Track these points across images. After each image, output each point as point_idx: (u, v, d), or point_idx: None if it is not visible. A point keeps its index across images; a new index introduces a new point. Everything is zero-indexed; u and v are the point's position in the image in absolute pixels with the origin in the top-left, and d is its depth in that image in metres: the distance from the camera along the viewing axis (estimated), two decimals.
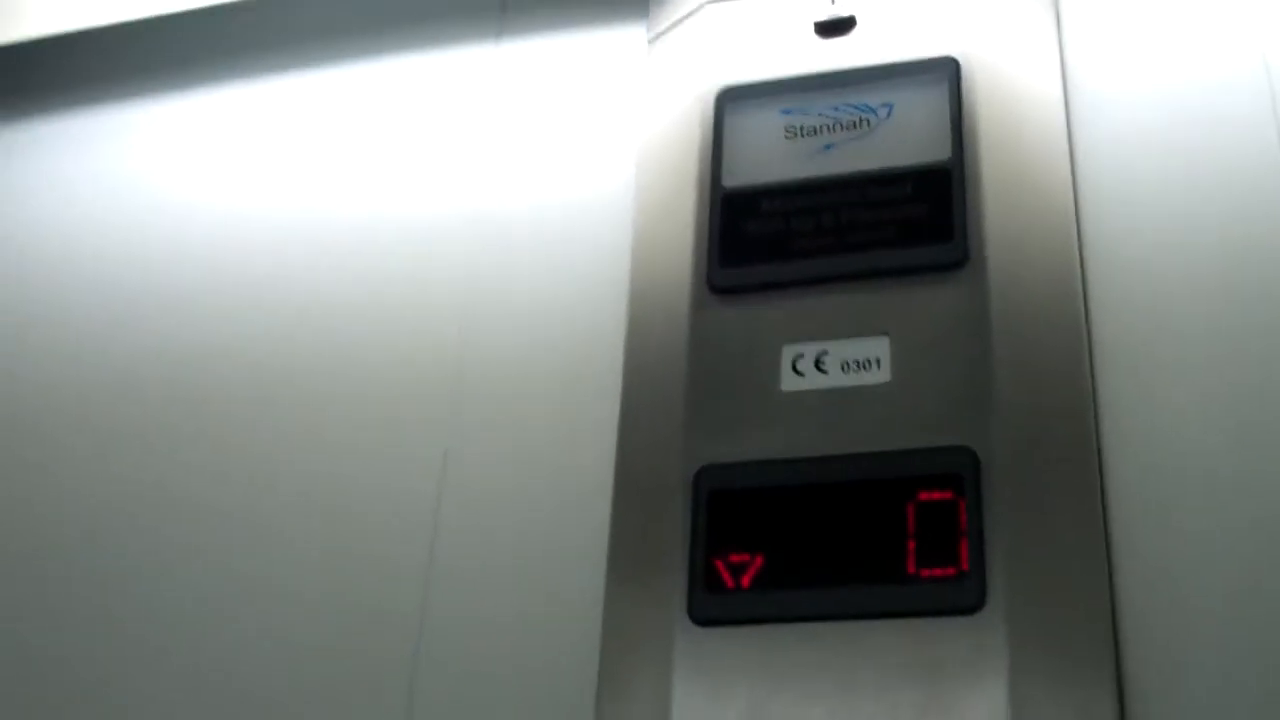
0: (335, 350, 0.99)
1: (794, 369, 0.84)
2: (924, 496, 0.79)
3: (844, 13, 0.94)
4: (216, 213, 1.08)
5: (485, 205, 1.01)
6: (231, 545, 0.94)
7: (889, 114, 0.90)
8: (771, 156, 0.91)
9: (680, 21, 1.00)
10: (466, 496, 0.91)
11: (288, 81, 1.12)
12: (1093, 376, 0.82)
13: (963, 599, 0.75)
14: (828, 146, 0.90)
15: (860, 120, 0.90)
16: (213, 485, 0.97)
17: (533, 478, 0.91)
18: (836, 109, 0.91)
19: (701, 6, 0.99)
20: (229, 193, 1.09)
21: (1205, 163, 0.88)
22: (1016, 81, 0.90)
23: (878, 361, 0.83)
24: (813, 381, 0.84)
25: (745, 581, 0.79)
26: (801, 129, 0.91)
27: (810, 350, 0.85)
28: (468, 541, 0.90)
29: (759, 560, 0.80)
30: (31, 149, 1.18)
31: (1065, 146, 0.89)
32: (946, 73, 0.90)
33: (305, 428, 0.97)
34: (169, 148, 1.13)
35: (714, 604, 0.79)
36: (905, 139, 0.89)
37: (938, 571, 0.76)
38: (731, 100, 0.94)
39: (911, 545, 0.78)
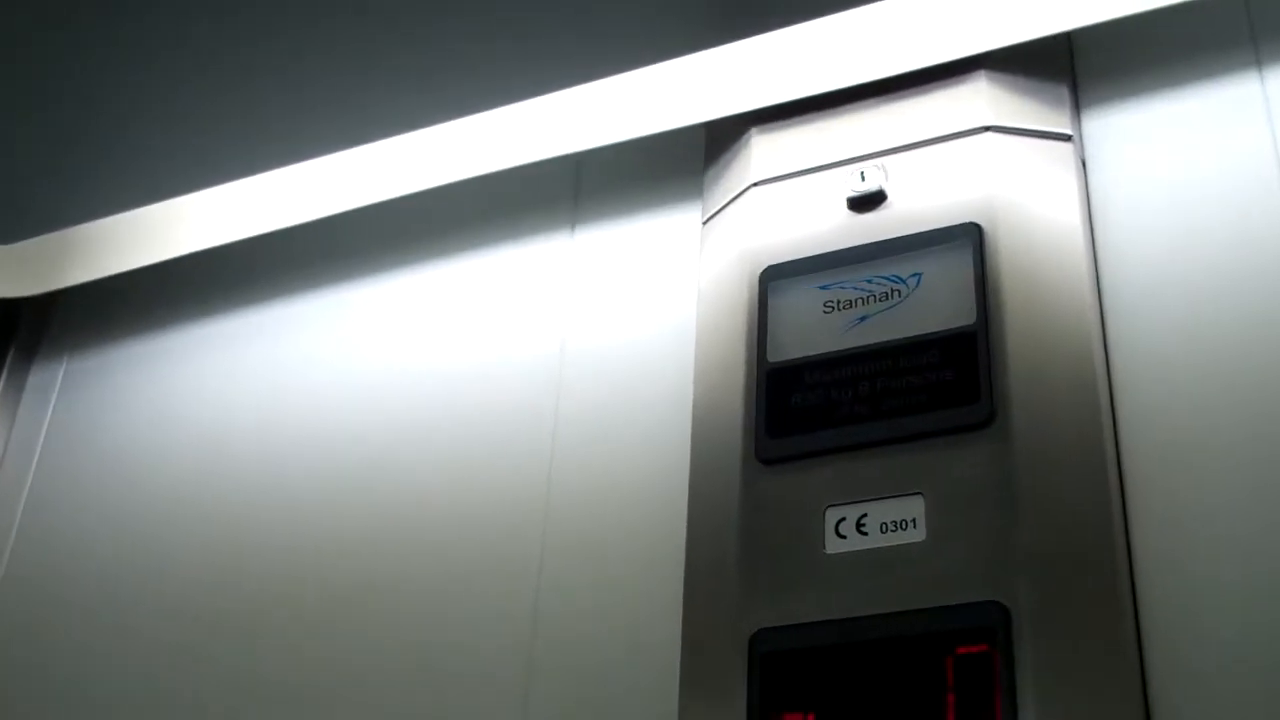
0: (427, 528, 1.08)
1: (837, 532, 0.90)
2: (962, 651, 0.83)
3: (873, 187, 1.00)
4: (317, 405, 1.19)
5: (569, 380, 1.09)
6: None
7: (918, 283, 0.95)
8: (812, 330, 0.97)
9: (729, 203, 1.07)
10: (555, 658, 0.98)
11: (385, 283, 1.22)
12: (1125, 521, 0.86)
13: None
14: (863, 318, 0.96)
15: (892, 291, 0.96)
16: (314, 669, 1.06)
17: (611, 640, 0.98)
18: (870, 281, 0.97)
19: (746, 189, 1.06)
20: (325, 387, 1.19)
21: (1236, 301, 0.91)
22: (1037, 238, 0.95)
23: (914, 521, 0.88)
24: (854, 543, 0.89)
25: None
26: (838, 303, 0.97)
27: (852, 513, 0.90)
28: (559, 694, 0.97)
29: (811, 718, 0.84)
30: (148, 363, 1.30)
31: (1089, 297, 0.93)
32: (970, 239, 0.95)
33: (401, 600, 1.05)
34: (278, 351, 1.24)
35: None
36: (934, 306, 0.94)
37: None
38: (774, 278, 1.00)
39: (951, 699, 0.82)
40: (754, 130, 1.09)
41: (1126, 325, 0.93)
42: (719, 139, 1.12)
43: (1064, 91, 1.02)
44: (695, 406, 1.00)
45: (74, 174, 1.25)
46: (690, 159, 1.15)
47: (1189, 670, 0.81)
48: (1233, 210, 0.94)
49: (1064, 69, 1.03)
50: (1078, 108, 1.02)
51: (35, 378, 1.35)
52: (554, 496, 1.05)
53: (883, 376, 0.93)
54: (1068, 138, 0.99)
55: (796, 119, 1.07)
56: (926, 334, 0.93)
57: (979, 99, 1.01)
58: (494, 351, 1.14)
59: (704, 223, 1.09)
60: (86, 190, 1.26)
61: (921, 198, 0.99)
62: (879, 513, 0.89)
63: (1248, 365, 0.89)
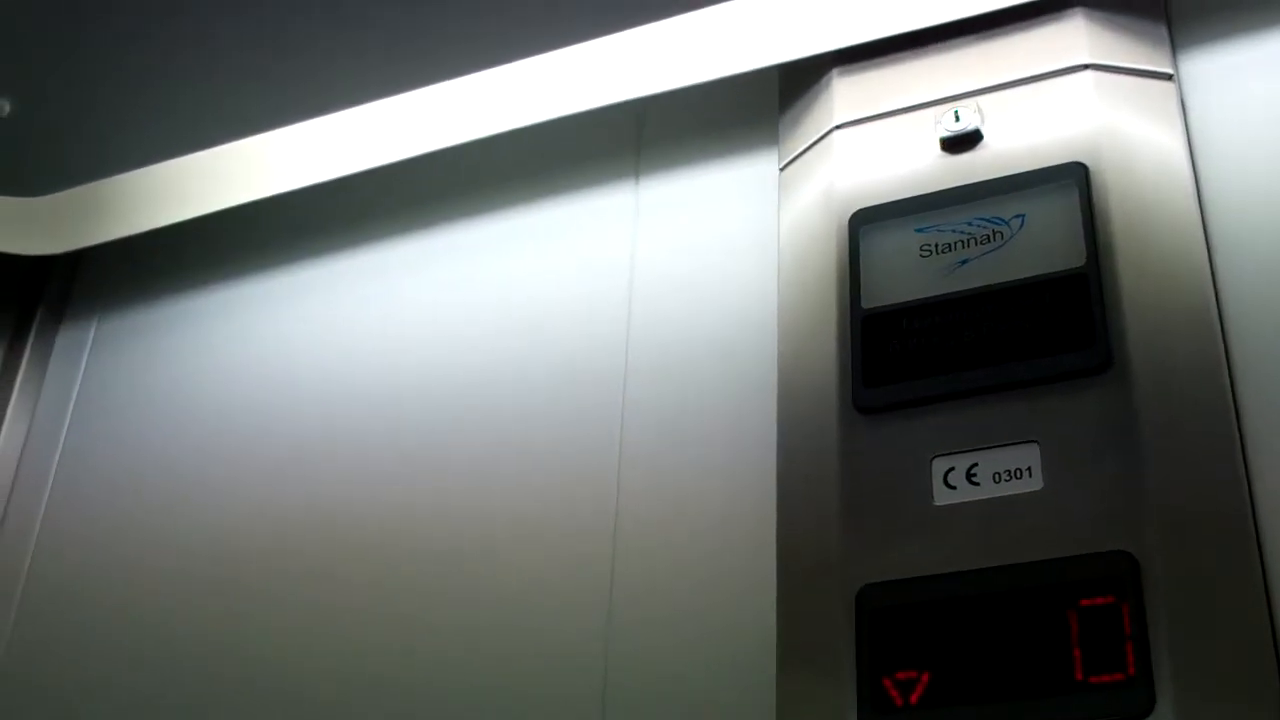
0: (492, 498, 1.03)
1: (946, 483, 0.86)
2: (1085, 603, 0.79)
3: (969, 127, 0.96)
4: (363, 364, 1.14)
5: (638, 333, 1.05)
6: None
7: (1022, 224, 0.92)
8: (908, 275, 0.93)
9: (810, 147, 1.03)
10: (634, 632, 0.94)
11: (436, 239, 1.18)
12: (1247, 470, 0.82)
13: (1133, 704, 0.75)
14: (963, 261, 0.92)
15: (994, 233, 0.92)
16: (363, 629, 1.01)
17: (697, 606, 0.93)
18: (970, 223, 0.93)
19: (829, 132, 1.02)
20: (373, 346, 1.14)
21: None
22: (1145, 178, 0.91)
23: (1029, 470, 0.84)
24: (965, 494, 0.85)
25: (914, 699, 0.80)
26: (936, 246, 0.93)
27: (961, 463, 0.86)
28: (638, 669, 0.93)
29: (925, 677, 0.81)
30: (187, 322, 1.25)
31: (1201, 237, 0.90)
32: (1075, 179, 0.91)
33: (468, 575, 1.01)
34: (328, 308, 1.19)
35: None
36: (1039, 248, 0.90)
37: (1105, 678, 0.76)
38: (865, 222, 0.96)
39: (1077, 653, 0.78)
40: (835, 71, 1.04)
41: (1236, 265, 0.90)
42: (795, 82, 1.08)
43: (1162, 30, 0.98)
44: (781, 358, 0.96)
45: (105, 124, 1.20)
46: (760, 104, 1.11)
47: None
48: None
49: (1159, 7, 1.00)
50: (1174, 47, 0.98)
51: (65, 338, 1.30)
52: (627, 457, 1.01)
53: (988, 321, 0.89)
54: (1169, 76, 0.96)
55: (881, 59, 1.03)
56: (1034, 276, 0.89)
57: (1077, 37, 0.97)
58: (557, 311, 1.10)
59: (781, 169, 1.05)
60: (119, 141, 1.21)
61: (1019, 137, 0.95)
62: (991, 462, 0.85)
63: None
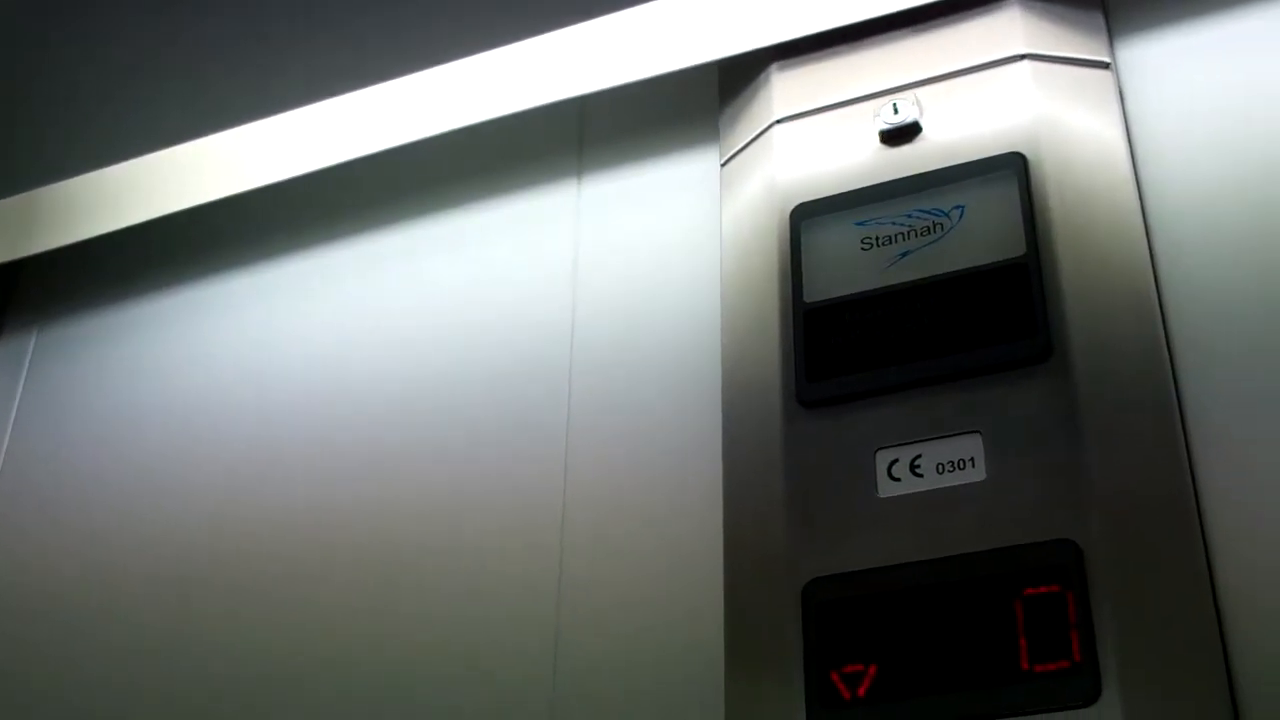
0: (438, 501, 1.03)
1: (890, 475, 0.86)
2: (1030, 592, 0.79)
3: (907, 119, 0.96)
4: (307, 370, 1.13)
5: (583, 330, 1.04)
6: None
7: (961, 215, 0.91)
8: (849, 269, 0.93)
9: (750, 143, 1.03)
10: (582, 631, 0.93)
11: (377, 241, 1.17)
12: (1190, 455, 0.82)
13: (1079, 692, 0.75)
14: (904, 254, 0.92)
15: (934, 225, 0.92)
16: (313, 646, 1.00)
17: (644, 603, 0.93)
18: (909, 215, 0.93)
19: (769, 127, 1.01)
20: (316, 352, 1.14)
21: None
22: (1084, 166, 0.91)
23: (972, 460, 0.84)
24: (909, 485, 0.85)
25: (861, 692, 0.80)
26: (877, 239, 0.93)
27: (905, 455, 0.86)
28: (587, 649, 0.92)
29: (873, 669, 0.80)
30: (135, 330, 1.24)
31: (1140, 224, 0.90)
32: (1014, 169, 0.91)
33: (416, 574, 1.00)
34: (272, 313, 1.18)
35: (832, 717, 0.80)
36: (979, 238, 0.90)
37: (1051, 666, 0.76)
38: (806, 216, 0.96)
39: (1023, 642, 0.78)
40: (774, 66, 1.04)
41: (1175, 252, 0.90)
42: (735, 78, 1.07)
43: (1099, 19, 0.98)
44: (725, 353, 0.96)
45: (39, 131, 1.18)
46: (701, 100, 1.10)
47: (1265, 605, 0.78)
48: (1275, 129, 0.91)
49: None
50: (1111, 36, 0.98)
51: (4, 350, 1.28)
52: (573, 453, 1.00)
53: (930, 313, 0.89)
54: (1106, 65, 0.96)
55: (820, 53, 1.03)
56: (974, 267, 0.89)
57: (1013, 27, 0.97)
58: (502, 310, 1.09)
59: (723, 164, 1.05)
60: (51, 149, 1.19)
61: (958, 129, 0.95)
62: (934, 453, 0.85)
63: None
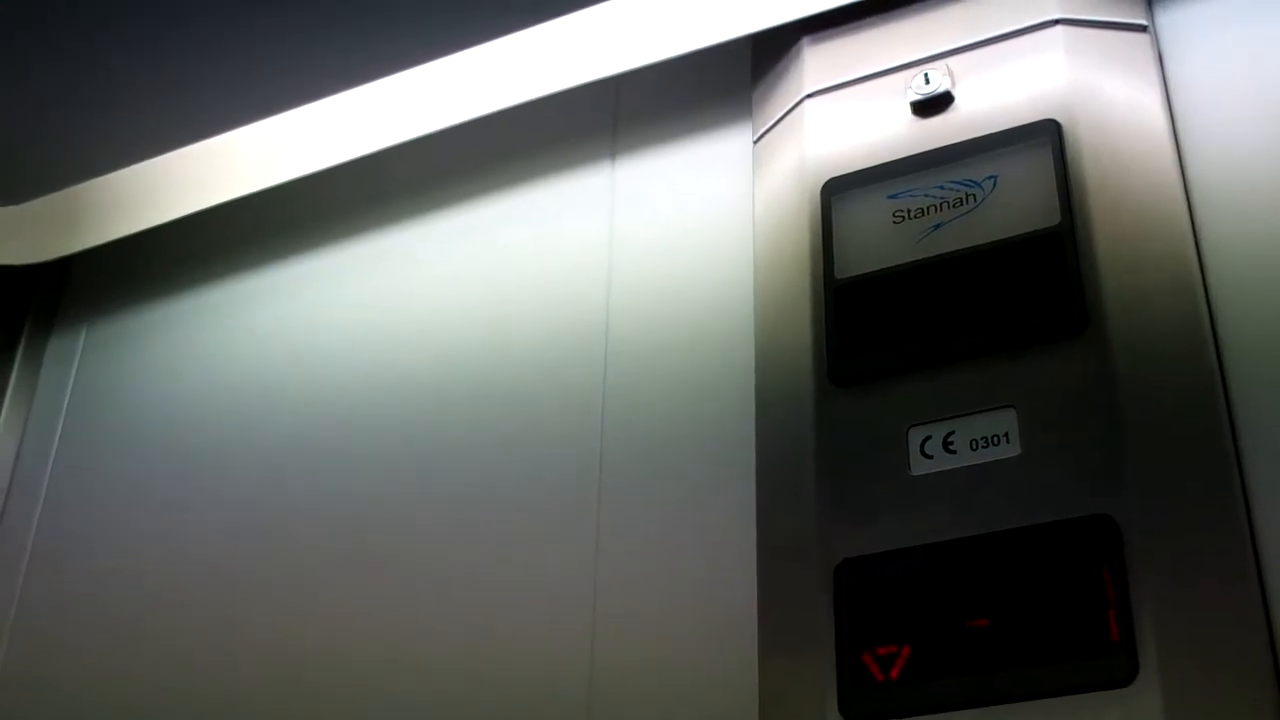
0: (476, 475, 1.02)
1: (922, 452, 0.84)
2: (1067, 569, 0.77)
3: (939, 89, 0.94)
4: (353, 356, 1.13)
5: (618, 312, 1.04)
6: None
7: (994, 185, 0.89)
8: (882, 242, 0.91)
9: (782, 118, 1.01)
10: (617, 621, 0.93)
11: (418, 227, 1.16)
12: (1233, 430, 0.80)
13: (1116, 671, 0.73)
14: (937, 226, 0.90)
15: (966, 196, 0.90)
16: (356, 639, 1.00)
17: (678, 588, 0.92)
18: (942, 187, 0.91)
19: (800, 101, 1.00)
20: (361, 338, 1.14)
21: None
22: (1121, 133, 0.89)
23: (1006, 436, 0.82)
24: (942, 463, 0.83)
25: (894, 674, 0.78)
26: (909, 211, 0.91)
27: (937, 431, 0.84)
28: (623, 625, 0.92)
29: (906, 651, 0.79)
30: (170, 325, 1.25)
31: (1179, 192, 0.87)
32: (1049, 136, 0.89)
33: (456, 547, 1.00)
34: (315, 303, 1.18)
35: (864, 700, 0.78)
36: (1013, 209, 0.88)
37: (1088, 645, 0.74)
38: (837, 190, 0.94)
39: (1059, 621, 0.76)
40: (805, 40, 1.03)
41: (1216, 219, 0.87)
42: (767, 53, 1.06)
43: None
44: (758, 332, 0.94)
45: (83, 128, 1.19)
46: (734, 77, 1.09)
47: None
48: None
49: None
50: None
51: (55, 347, 1.29)
52: (609, 437, 0.99)
53: (963, 286, 0.87)
54: (1143, 28, 0.93)
55: (851, 25, 1.01)
56: (1008, 238, 0.87)
57: None
58: (538, 292, 1.08)
59: (755, 141, 1.03)
60: (96, 142, 1.20)
61: (990, 98, 0.93)
62: (967, 429, 0.83)
63: None
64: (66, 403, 1.26)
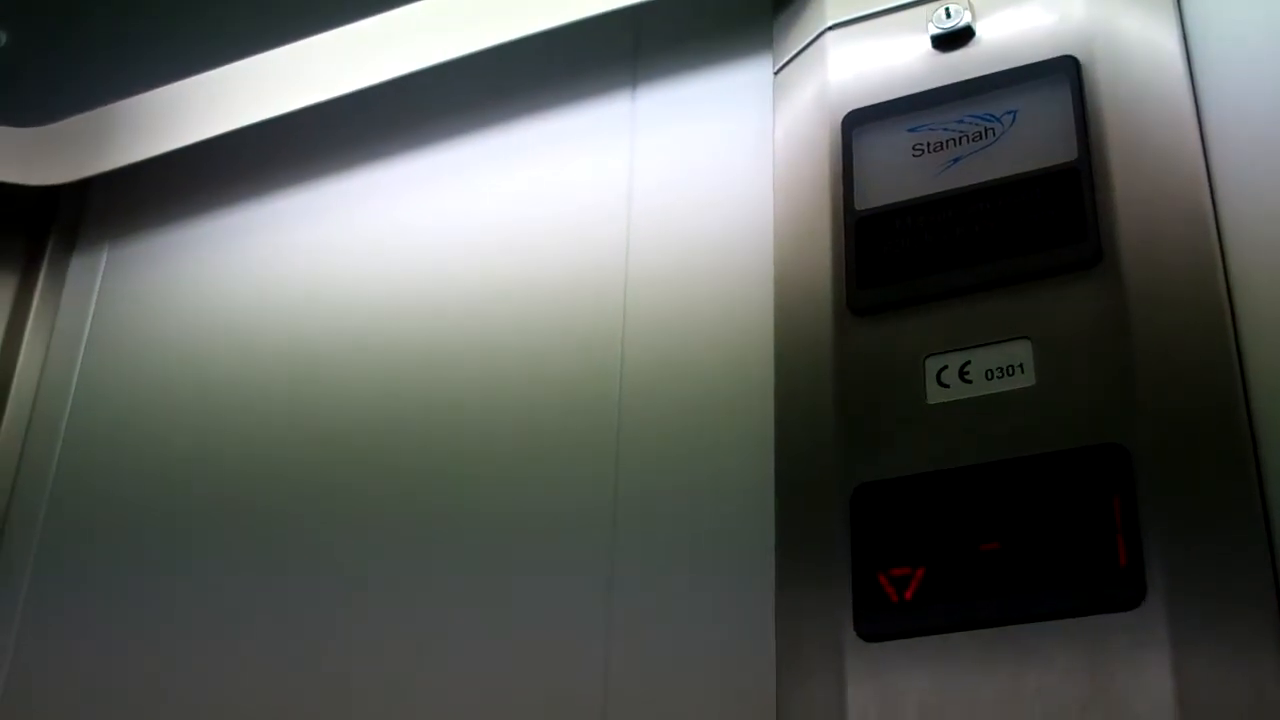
0: (497, 401, 1.05)
1: (939, 381, 0.86)
2: (1078, 497, 0.79)
3: (960, 23, 0.96)
4: (368, 282, 1.15)
5: (638, 241, 1.05)
6: None
7: (1013, 120, 0.91)
8: (901, 175, 0.92)
9: (803, 50, 1.02)
10: (637, 540, 0.95)
11: (439, 153, 1.18)
12: (1241, 363, 0.82)
13: (1123, 595, 0.76)
14: (955, 160, 0.91)
15: (985, 130, 0.91)
16: (376, 548, 1.03)
17: (696, 510, 0.94)
18: (961, 121, 0.93)
19: (822, 33, 1.01)
20: (377, 264, 1.15)
21: None
22: (1139, 70, 0.90)
23: (1021, 366, 0.84)
24: (958, 392, 0.85)
25: (908, 594, 0.81)
26: (929, 145, 0.93)
27: (953, 361, 0.86)
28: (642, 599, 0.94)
29: (920, 572, 0.81)
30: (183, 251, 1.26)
31: (1195, 129, 0.89)
32: (1067, 72, 0.91)
33: (476, 473, 1.03)
34: (332, 226, 1.19)
35: (879, 619, 0.81)
36: (1031, 143, 0.90)
37: (1096, 570, 0.77)
38: (858, 123, 0.96)
39: (1069, 546, 0.78)
40: None
41: (1231, 155, 0.88)
42: None
43: None
44: (777, 261, 0.96)
45: (104, 51, 1.20)
46: (756, 6, 1.10)
47: None
48: None
49: None
50: None
51: (77, 266, 1.31)
52: (629, 365, 1.01)
53: (981, 218, 0.89)
54: None
55: None
56: (1025, 172, 0.89)
57: None
58: (557, 221, 1.10)
59: (776, 72, 1.04)
60: (119, 66, 1.21)
61: (1011, 33, 0.94)
62: (983, 359, 0.85)
63: None
64: (90, 319, 1.27)
